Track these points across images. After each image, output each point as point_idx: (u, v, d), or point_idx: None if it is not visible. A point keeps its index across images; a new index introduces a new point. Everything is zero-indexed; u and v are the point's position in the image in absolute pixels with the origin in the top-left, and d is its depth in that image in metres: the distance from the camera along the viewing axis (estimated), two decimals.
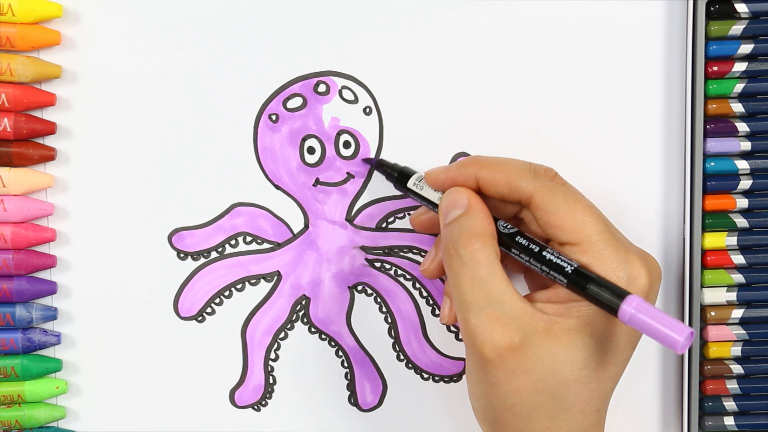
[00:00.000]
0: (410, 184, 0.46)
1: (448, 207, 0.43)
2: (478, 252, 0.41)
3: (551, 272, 0.41)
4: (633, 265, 0.41)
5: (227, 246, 0.49)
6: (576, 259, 0.41)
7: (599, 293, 0.39)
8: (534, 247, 0.42)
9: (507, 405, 0.41)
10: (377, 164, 0.48)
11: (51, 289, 0.49)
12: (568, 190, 0.42)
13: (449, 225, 0.43)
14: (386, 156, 0.49)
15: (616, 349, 0.42)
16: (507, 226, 0.43)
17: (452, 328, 0.50)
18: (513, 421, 0.41)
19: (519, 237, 0.43)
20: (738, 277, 0.49)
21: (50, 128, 0.48)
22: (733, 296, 0.49)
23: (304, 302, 0.50)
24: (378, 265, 0.50)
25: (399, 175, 0.47)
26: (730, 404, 0.49)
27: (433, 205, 0.45)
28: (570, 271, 0.40)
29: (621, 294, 0.39)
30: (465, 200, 0.43)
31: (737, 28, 0.47)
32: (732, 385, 0.49)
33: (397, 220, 0.49)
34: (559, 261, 0.41)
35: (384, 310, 0.50)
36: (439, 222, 0.44)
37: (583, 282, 0.40)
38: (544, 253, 0.41)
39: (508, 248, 0.43)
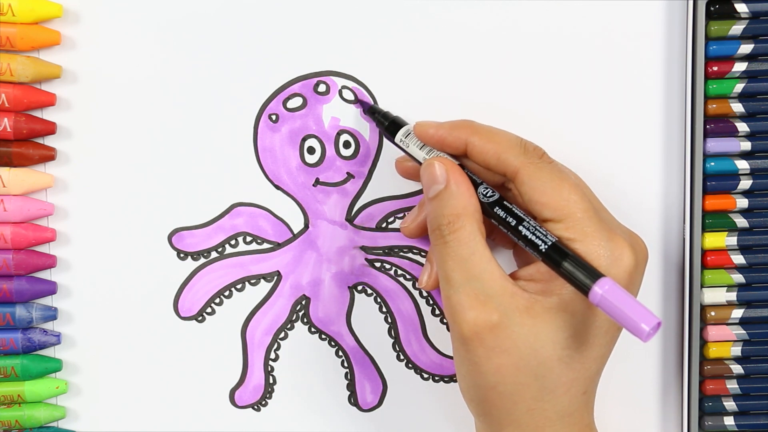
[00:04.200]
0: (397, 140, 0.46)
1: (428, 182, 0.43)
2: (459, 231, 0.41)
3: (527, 247, 0.41)
4: (616, 244, 0.41)
5: (227, 246, 0.49)
6: (558, 235, 0.41)
7: (572, 272, 0.39)
8: (511, 220, 0.41)
9: (490, 384, 0.41)
10: (369, 110, 0.48)
11: (51, 289, 0.49)
12: (554, 167, 0.42)
13: (431, 201, 0.43)
14: (387, 155, 0.49)
15: (600, 329, 0.41)
16: (487, 194, 0.43)
17: None
18: (498, 401, 0.41)
19: (497, 208, 0.42)
20: (738, 277, 0.49)
21: (50, 128, 0.48)
22: (733, 296, 0.49)
23: (304, 302, 0.50)
24: (378, 265, 0.50)
25: (390, 125, 0.46)
26: (730, 404, 0.49)
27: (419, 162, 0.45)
28: (544, 249, 0.40)
29: (595, 275, 0.38)
30: (444, 175, 0.43)
31: (737, 28, 0.47)
32: (732, 385, 0.49)
33: (397, 220, 0.49)
34: (534, 237, 0.40)
35: (384, 310, 0.50)
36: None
37: (559, 259, 0.39)
38: (521, 228, 0.41)
39: (490, 217, 0.43)
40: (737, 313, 0.49)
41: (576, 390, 0.41)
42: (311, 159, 0.49)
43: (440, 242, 0.42)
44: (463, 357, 0.41)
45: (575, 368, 0.41)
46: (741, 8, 0.47)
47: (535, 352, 0.40)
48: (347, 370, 0.50)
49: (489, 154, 0.43)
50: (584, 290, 0.39)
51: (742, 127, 0.48)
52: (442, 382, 0.50)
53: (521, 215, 0.42)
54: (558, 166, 0.42)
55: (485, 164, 0.43)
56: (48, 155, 0.48)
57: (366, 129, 0.49)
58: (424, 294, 0.50)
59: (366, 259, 0.50)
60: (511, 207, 0.42)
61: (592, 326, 0.41)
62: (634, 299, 0.38)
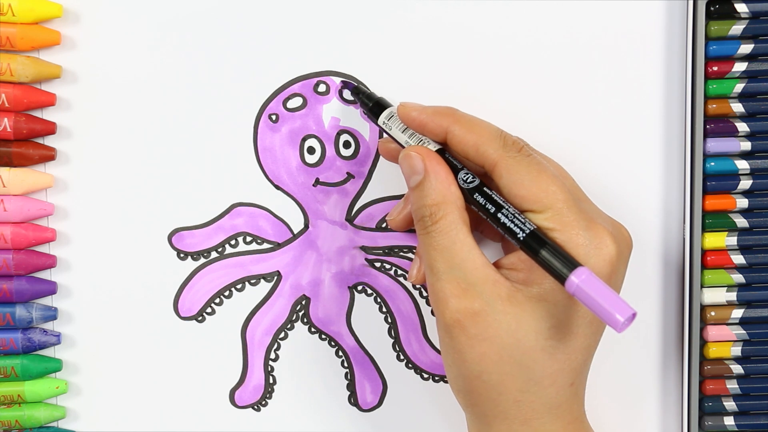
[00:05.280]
0: (380, 122, 0.46)
1: (407, 172, 0.43)
2: (441, 220, 0.41)
3: (506, 234, 0.40)
4: (596, 233, 0.40)
5: (227, 246, 0.49)
6: (538, 225, 0.40)
7: (550, 261, 0.39)
8: (490, 207, 0.41)
9: (475, 373, 0.41)
10: (353, 90, 0.48)
11: (51, 289, 0.49)
12: (533, 160, 0.41)
13: (413, 192, 0.43)
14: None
15: (583, 320, 0.41)
16: (468, 179, 0.42)
17: None
18: (484, 392, 0.41)
19: (477, 194, 0.42)
20: (738, 277, 0.49)
21: (50, 128, 0.48)
22: (733, 296, 0.49)
23: (304, 302, 0.50)
24: (378, 265, 0.50)
25: (374, 106, 0.46)
26: (730, 404, 0.49)
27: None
28: (523, 237, 0.40)
29: (572, 264, 0.38)
30: (421, 165, 0.42)
31: (737, 28, 0.47)
32: (732, 385, 0.49)
33: None
34: (513, 225, 0.40)
35: (384, 310, 0.50)
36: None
37: (537, 247, 0.39)
38: (499, 215, 0.41)
39: (470, 203, 0.42)
40: (737, 313, 0.49)
41: (562, 381, 0.41)
42: (311, 159, 0.49)
43: (423, 233, 0.42)
44: (448, 345, 0.41)
45: (560, 359, 0.41)
46: (741, 8, 0.47)
47: (517, 341, 0.40)
48: (347, 370, 0.50)
49: (468, 145, 0.42)
50: (561, 279, 0.38)
51: (742, 127, 0.48)
52: (442, 382, 0.50)
53: (501, 202, 0.41)
54: (536, 158, 0.42)
55: (464, 154, 0.43)
56: (48, 155, 0.48)
57: (366, 129, 0.49)
58: (424, 294, 0.50)
59: (366, 259, 0.50)
60: (490, 193, 0.42)
61: (574, 316, 0.41)
62: (610, 289, 0.37)
